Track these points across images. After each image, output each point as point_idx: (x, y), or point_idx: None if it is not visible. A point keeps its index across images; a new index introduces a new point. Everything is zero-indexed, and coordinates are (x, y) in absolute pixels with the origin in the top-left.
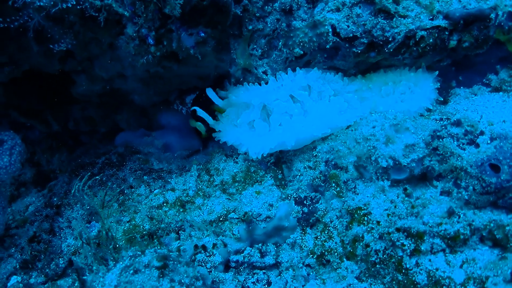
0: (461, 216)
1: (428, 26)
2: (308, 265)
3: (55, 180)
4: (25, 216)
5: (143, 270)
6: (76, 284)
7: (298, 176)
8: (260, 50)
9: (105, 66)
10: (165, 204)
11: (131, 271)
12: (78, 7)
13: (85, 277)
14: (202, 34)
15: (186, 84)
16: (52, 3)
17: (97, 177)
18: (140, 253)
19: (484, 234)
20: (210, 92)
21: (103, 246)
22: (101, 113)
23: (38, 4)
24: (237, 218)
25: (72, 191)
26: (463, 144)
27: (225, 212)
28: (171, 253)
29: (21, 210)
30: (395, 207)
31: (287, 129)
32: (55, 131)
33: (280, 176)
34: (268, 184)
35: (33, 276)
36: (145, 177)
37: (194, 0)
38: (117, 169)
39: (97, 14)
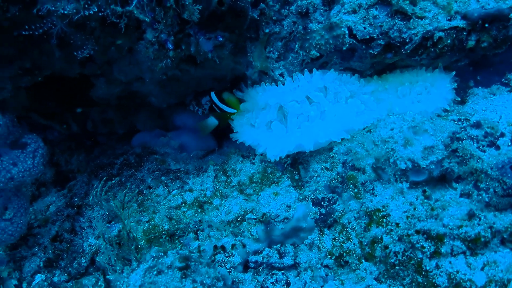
0: (482, 218)
1: (446, 27)
2: (326, 266)
3: (74, 180)
4: (46, 215)
5: (166, 271)
6: (99, 283)
7: (315, 177)
8: (276, 53)
9: (123, 70)
10: (183, 204)
11: (155, 272)
12: (100, 14)
13: (108, 277)
14: (220, 39)
15: (203, 86)
16: (75, 10)
17: (114, 180)
18: (162, 254)
19: (505, 236)
20: (213, 97)
21: (124, 246)
22: (119, 115)
23: (62, 12)
24: (255, 219)
25: (91, 195)
26: (483, 146)
27: (243, 213)
28: (192, 254)
29: (43, 210)
30: (415, 209)
31: (305, 132)
32: (73, 132)
33: (297, 177)
34: (285, 185)
35: (56, 275)
36: (163, 178)
37: (213, 6)
38: (135, 169)
39: (118, 21)
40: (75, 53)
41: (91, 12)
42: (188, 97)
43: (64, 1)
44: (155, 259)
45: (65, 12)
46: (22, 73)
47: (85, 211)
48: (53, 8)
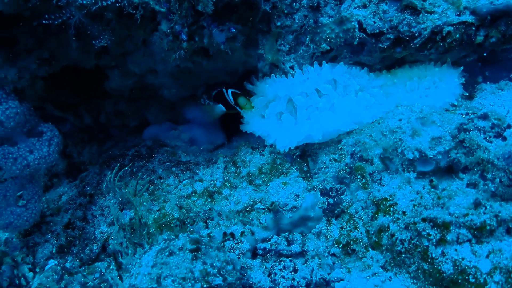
0: (488, 207)
1: (454, 22)
2: (333, 254)
3: (86, 171)
4: (58, 205)
5: (177, 252)
6: (111, 267)
7: (323, 169)
8: (287, 46)
9: (137, 62)
10: (193, 194)
11: (167, 253)
12: (117, 4)
13: (120, 260)
14: (233, 30)
15: (214, 79)
16: (93, 1)
17: (127, 168)
18: (174, 237)
19: (510, 225)
20: (229, 95)
21: (136, 232)
22: (131, 107)
23: (80, 2)
24: (264, 208)
25: (105, 181)
26: (490, 137)
27: (252, 203)
28: (202, 238)
29: (55, 199)
30: (421, 198)
31: (314, 123)
32: (86, 124)
33: (305, 169)
34: (294, 176)
35: (68, 260)
36: (173, 169)
37: None
38: (146, 160)
39: (134, 12)
40: (93, 42)
41: (109, 3)
42: (200, 90)
43: None
44: (167, 242)
45: (84, 2)
46: (40, 63)
47: (97, 199)
48: (72, 0)
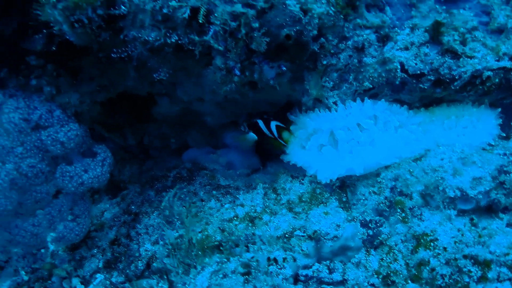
0: None
1: (494, 67)
2: (372, 285)
3: (126, 190)
4: (101, 220)
5: (230, 275)
6: (160, 284)
7: (362, 200)
8: (331, 83)
9: (187, 91)
10: (235, 218)
11: (221, 275)
12: (179, 41)
13: (171, 278)
14: (284, 68)
15: (257, 108)
16: (157, 38)
17: (171, 189)
18: (226, 260)
19: None
20: (261, 124)
21: (183, 251)
22: (174, 131)
23: (145, 38)
24: (303, 236)
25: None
26: None
27: (291, 230)
28: (251, 262)
29: (98, 215)
30: (462, 235)
31: (356, 157)
32: (128, 144)
33: (344, 199)
34: (334, 205)
35: (114, 276)
36: (214, 192)
37: (280, 39)
38: (187, 183)
39: (193, 48)
40: (154, 75)
41: (173, 40)
42: (241, 118)
43: (148, 29)
44: (219, 264)
45: (149, 39)
46: (100, 89)
47: (142, 218)
48: (138, 35)
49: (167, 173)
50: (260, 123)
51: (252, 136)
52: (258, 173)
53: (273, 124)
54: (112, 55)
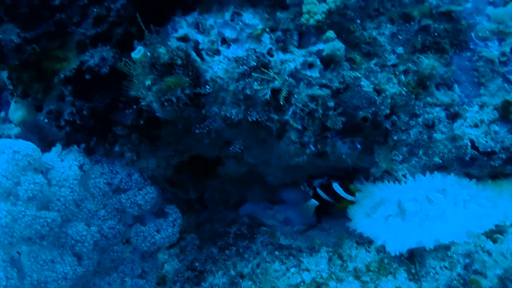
0: None
1: None
2: None
3: (183, 239)
4: (162, 273)
5: None
6: None
7: (432, 274)
8: (401, 156)
9: (254, 155)
10: (302, 283)
11: None
12: (259, 119)
13: None
14: (359, 146)
15: (320, 172)
16: (240, 115)
17: (233, 247)
18: None
19: None
20: (336, 187)
21: None
22: (235, 187)
23: (226, 114)
24: None
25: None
26: None
27: None
28: None
29: (158, 267)
30: None
31: (426, 231)
32: (190, 198)
33: (413, 271)
34: (402, 277)
35: None
36: (276, 253)
37: (357, 120)
38: (249, 241)
39: (270, 125)
40: (230, 148)
41: (253, 118)
42: (303, 179)
43: (229, 106)
44: None
45: (231, 116)
46: (175, 154)
47: (207, 277)
48: (219, 111)
49: (227, 229)
50: (319, 191)
51: (313, 202)
52: (315, 230)
53: (336, 184)
54: (196, 130)
